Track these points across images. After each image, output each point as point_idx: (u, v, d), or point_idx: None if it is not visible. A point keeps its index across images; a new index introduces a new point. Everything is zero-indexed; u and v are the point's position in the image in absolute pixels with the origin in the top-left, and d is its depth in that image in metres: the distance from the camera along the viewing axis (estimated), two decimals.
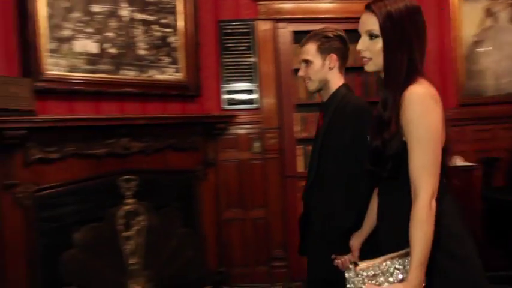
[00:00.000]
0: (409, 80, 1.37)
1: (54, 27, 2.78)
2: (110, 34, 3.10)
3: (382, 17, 1.40)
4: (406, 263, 1.33)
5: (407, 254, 1.33)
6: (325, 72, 1.95)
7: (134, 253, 3.07)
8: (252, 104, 3.90)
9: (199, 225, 3.60)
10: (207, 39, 3.80)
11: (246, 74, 3.89)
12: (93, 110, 3.00)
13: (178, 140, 3.40)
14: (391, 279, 1.32)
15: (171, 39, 3.53)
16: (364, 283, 1.32)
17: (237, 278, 3.84)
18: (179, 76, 3.56)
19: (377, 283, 1.32)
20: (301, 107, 4.03)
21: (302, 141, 3.97)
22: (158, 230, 3.22)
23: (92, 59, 2.99)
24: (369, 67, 1.49)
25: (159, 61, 3.42)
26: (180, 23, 3.58)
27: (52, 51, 2.77)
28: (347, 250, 1.83)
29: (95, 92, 2.98)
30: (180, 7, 3.57)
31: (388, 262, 1.34)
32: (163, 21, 3.48)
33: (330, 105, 1.97)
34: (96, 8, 3.02)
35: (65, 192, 2.77)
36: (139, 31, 3.29)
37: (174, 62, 3.53)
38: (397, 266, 1.33)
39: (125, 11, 3.20)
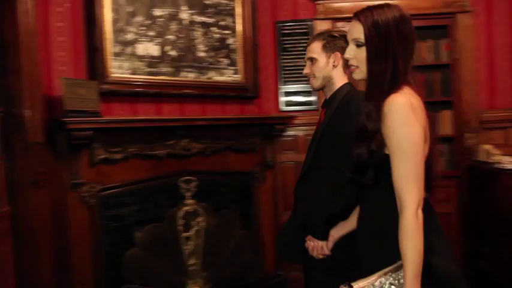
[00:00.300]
0: (392, 89, 1.36)
1: (118, 31, 2.87)
2: (171, 37, 3.15)
3: (367, 26, 1.40)
4: (400, 277, 1.31)
5: (400, 268, 1.31)
6: (329, 70, 1.99)
7: (193, 254, 3.09)
8: (310, 105, 3.84)
9: (257, 228, 3.58)
10: (265, 41, 3.79)
11: (304, 75, 3.82)
12: (154, 112, 3.06)
13: (236, 142, 3.40)
14: None
15: (230, 41, 3.54)
16: None
17: (294, 282, 3.77)
18: (238, 78, 3.56)
19: None
20: None
21: None
22: (216, 232, 3.22)
23: (153, 62, 3.06)
24: (356, 75, 1.48)
25: (218, 63, 3.44)
26: (239, 25, 3.58)
27: (116, 54, 2.85)
28: (326, 237, 1.83)
29: (156, 94, 3.04)
30: (238, 9, 3.58)
31: (382, 279, 1.31)
32: (221, 23, 3.49)
33: (332, 101, 2.01)
34: (157, 12, 3.08)
35: (127, 192, 2.84)
36: (198, 33, 3.32)
37: (233, 63, 3.54)
38: (391, 281, 1.31)
39: (185, 14, 3.24)
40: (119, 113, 2.88)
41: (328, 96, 2.05)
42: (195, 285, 3.09)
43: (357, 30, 1.44)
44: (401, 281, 1.30)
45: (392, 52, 1.38)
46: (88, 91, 2.59)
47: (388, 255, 1.34)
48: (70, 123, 2.44)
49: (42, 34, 2.56)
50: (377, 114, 1.36)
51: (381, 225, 1.41)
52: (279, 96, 3.85)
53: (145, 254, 2.87)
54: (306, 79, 3.74)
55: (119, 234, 2.78)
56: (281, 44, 3.84)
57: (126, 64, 2.90)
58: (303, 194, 2.05)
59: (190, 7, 3.27)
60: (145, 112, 3.01)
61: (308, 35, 3.78)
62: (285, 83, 3.85)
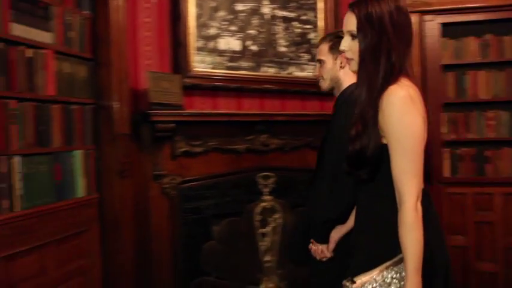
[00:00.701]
0: (388, 81, 1.34)
1: (201, 26, 2.90)
2: (252, 31, 3.14)
3: (360, 18, 1.38)
4: (402, 270, 1.30)
5: (401, 261, 1.30)
6: (336, 71, 2.00)
7: (269, 250, 3.06)
8: None
9: None
10: None
11: None
12: (234, 106, 3.07)
13: (315, 139, 3.30)
14: None
15: (311, 35, 3.46)
16: None
17: None
18: None
19: None
20: (449, 106, 3.67)
21: (450, 143, 3.62)
22: (293, 229, 3.17)
23: (234, 56, 3.06)
24: (352, 67, 1.45)
25: (299, 58, 3.38)
26: (320, 20, 3.50)
27: (199, 49, 2.89)
28: (326, 241, 1.86)
29: (236, 89, 3.04)
30: (320, 3, 3.49)
31: (384, 273, 1.31)
32: (303, 17, 3.43)
33: (337, 102, 2.02)
34: (239, 7, 3.08)
35: (206, 185, 2.87)
36: (279, 28, 3.28)
37: (314, 59, 3.45)
38: (393, 275, 1.31)
39: (266, 9, 3.21)
40: (200, 107, 2.92)
41: (337, 97, 2.07)
42: (269, 282, 3.06)
43: (350, 22, 1.41)
44: (403, 273, 1.29)
45: (386, 44, 1.35)
46: (172, 85, 2.64)
47: (388, 249, 1.33)
48: (154, 116, 2.51)
49: (130, 29, 2.65)
50: (372, 108, 1.34)
51: (379, 219, 1.39)
52: None
53: (222, 247, 2.89)
54: None
55: (197, 226, 2.81)
56: None
57: (208, 59, 2.93)
58: (308, 197, 2.07)
59: (272, 1, 3.23)
60: (226, 106, 3.02)
61: None
62: None
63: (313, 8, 3.48)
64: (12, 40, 2.01)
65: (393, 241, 1.29)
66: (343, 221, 1.80)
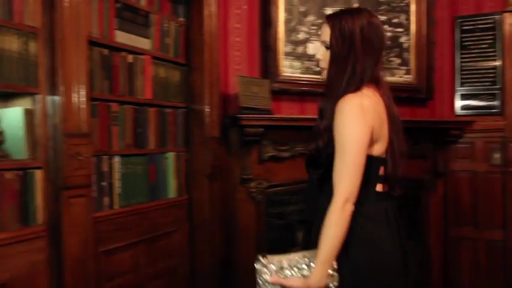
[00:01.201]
0: (348, 90, 1.41)
1: (290, 31, 2.89)
2: None
3: (334, 31, 1.47)
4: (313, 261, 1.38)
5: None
6: None
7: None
8: (491, 109, 3.41)
9: (423, 240, 3.30)
10: (441, 38, 3.48)
11: (486, 76, 3.42)
12: None
13: (407, 145, 3.17)
14: (298, 273, 1.39)
15: (402, 39, 3.33)
16: (271, 275, 1.39)
17: None
18: (409, 78, 3.34)
19: (283, 276, 1.39)
20: None
21: None
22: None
23: None
24: (324, 75, 1.55)
25: (389, 62, 3.26)
26: (412, 23, 3.35)
27: (287, 54, 2.89)
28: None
29: (324, 94, 2.98)
30: (413, 6, 3.35)
31: (298, 258, 1.40)
32: (394, 20, 3.31)
33: None
34: (329, 11, 3.03)
35: (291, 190, 2.84)
36: None
37: (405, 63, 3.33)
38: (307, 262, 1.39)
39: None
40: (288, 112, 2.91)
41: None
42: None
43: (325, 33, 1.51)
44: (313, 265, 1.39)
45: (354, 57, 1.44)
46: (261, 89, 2.66)
47: (316, 241, 1.39)
48: (244, 120, 2.53)
49: (222, 35, 2.70)
50: (330, 113, 1.42)
51: (324, 215, 1.44)
52: (455, 99, 3.50)
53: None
54: (487, 80, 3.39)
55: (282, 232, 2.79)
56: (460, 41, 3.48)
57: (296, 63, 2.92)
58: None
59: (362, 4, 3.15)
60: (313, 111, 2.98)
61: (494, 30, 3.37)
62: (462, 84, 3.48)
63: (405, 11, 3.34)
64: (115, 47, 2.13)
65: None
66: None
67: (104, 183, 2.05)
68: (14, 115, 1.72)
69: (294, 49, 2.91)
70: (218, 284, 2.63)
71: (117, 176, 2.13)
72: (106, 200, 2.06)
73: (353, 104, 1.38)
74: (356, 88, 1.42)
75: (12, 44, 1.62)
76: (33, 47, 1.69)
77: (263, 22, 2.84)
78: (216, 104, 2.59)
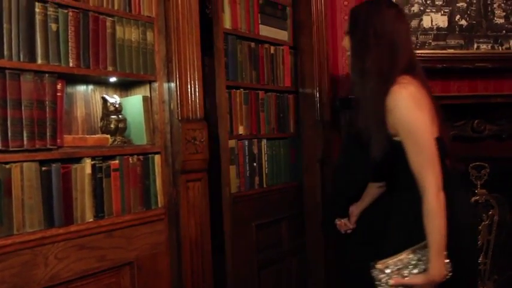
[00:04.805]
0: (389, 82, 1.41)
1: (403, 4, 2.69)
2: (461, 4, 2.79)
3: (350, 20, 1.54)
4: (427, 253, 1.37)
5: (426, 246, 1.37)
6: None
7: (482, 251, 2.70)
8: None
9: None
10: None
11: None
12: (441, 89, 2.78)
13: None
14: (415, 270, 1.38)
15: None
16: (390, 278, 1.39)
17: None
18: None
19: (402, 276, 1.38)
20: None
21: None
22: (511, 229, 2.75)
23: (441, 34, 2.77)
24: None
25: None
26: None
27: None
28: (345, 214, 1.96)
29: (443, 69, 2.74)
30: None
31: (411, 255, 1.39)
32: None
33: None
34: None
35: None
36: None
37: None
38: (419, 257, 1.38)
39: None
40: None
41: None
42: None
43: (347, 23, 1.57)
44: (427, 257, 1.37)
45: (372, 49, 1.45)
46: None
47: (414, 235, 1.40)
48: None
49: (329, 14, 2.60)
50: (371, 108, 1.44)
51: (405, 209, 1.47)
52: None
53: None
54: None
55: None
56: None
57: (412, 38, 2.71)
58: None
59: None
60: (431, 89, 2.75)
61: None
62: None
63: None
64: (259, 40, 2.32)
65: (418, 228, 1.37)
66: (356, 197, 1.92)
67: (255, 164, 2.27)
68: (134, 103, 1.80)
69: (409, 23, 2.70)
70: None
71: (264, 157, 2.33)
72: (257, 179, 2.28)
73: (405, 96, 1.39)
74: (392, 79, 1.43)
75: (132, 34, 1.69)
76: (150, 36, 1.75)
77: None
78: (325, 86, 2.51)
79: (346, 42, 1.58)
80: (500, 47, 2.85)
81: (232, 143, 2.13)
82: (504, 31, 2.85)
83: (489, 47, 2.84)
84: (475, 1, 2.82)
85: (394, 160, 1.45)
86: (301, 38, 2.52)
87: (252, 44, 2.27)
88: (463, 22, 2.81)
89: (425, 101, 1.44)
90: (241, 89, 2.22)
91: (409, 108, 1.39)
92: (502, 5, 2.86)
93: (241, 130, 2.21)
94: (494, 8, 2.85)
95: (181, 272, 1.78)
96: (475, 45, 2.82)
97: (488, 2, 2.82)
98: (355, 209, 1.95)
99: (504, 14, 2.87)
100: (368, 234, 1.88)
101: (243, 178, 2.19)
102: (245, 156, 2.21)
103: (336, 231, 2.04)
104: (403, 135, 1.41)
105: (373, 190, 1.81)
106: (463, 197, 1.52)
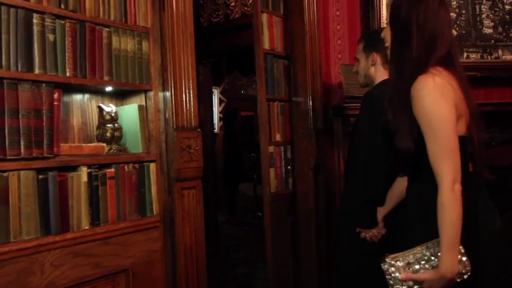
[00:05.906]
0: (417, 71, 1.39)
1: None
2: (451, 14, 2.85)
3: (393, 9, 1.50)
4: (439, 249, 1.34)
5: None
6: (368, 68, 2.11)
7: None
8: None
9: None
10: None
11: None
12: None
13: None
14: (427, 265, 1.35)
15: None
16: (400, 272, 1.36)
17: None
18: None
19: (413, 271, 1.36)
20: None
21: None
22: (504, 238, 2.77)
23: None
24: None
25: (508, 39, 2.95)
26: None
27: None
28: (375, 223, 1.95)
29: None
30: None
31: (424, 250, 1.36)
32: None
33: (364, 97, 2.09)
34: None
35: None
36: (484, 7, 2.91)
37: None
38: (432, 253, 1.35)
39: None
40: None
41: (365, 93, 2.17)
42: None
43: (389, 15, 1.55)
44: (439, 254, 1.34)
45: (413, 37, 1.42)
46: None
47: (430, 230, 1.36)
48: (349, 109, 2.45)
49: (322, 24, 2.64)
50: (402, 100, 1.40)
51: (424, 203, 1.43)
52: None
53: None
54: None
55: None
56: None
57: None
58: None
59: None
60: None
61: None
62: None
63: None
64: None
65: (434, 223, 1.33)
66: (381, 203, 1.92)
67: (289, 167, 2.51)
68: (130, 111, 1.83)
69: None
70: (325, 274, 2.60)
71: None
72: (290, 181, 2.57)
73: (428, 85, 1.35)
74: (424, 69, 1.39)
75: (128, 44, 1.72)
76: (145, 46, 1.78)
77: (365, 7, 2.73)
78: (318, 95, 2.54)
79: (386, 32, 1.55)
80: (489, 56, 2.91)
81: (271, 148, 2.46)
82: (493, 41, 2.92)
83: (478, 56, 2.90)
84: (464, 11, 2.88)
85: (418, 151, 1.40)
86: (294, 47, 2.56)
87: (286, 62, 2.57)
88: (453, 32, 2.86)
89: (453, 95, 1.38)
90: (277, 101, 2.54)
91: (431, 96, 1.35)
92: (491, 15, 2.92)
93: (278, 137, 2.54)
94: (483, 18, 2.91)
95: (176, 279, 1.80)
96: (465, 55, 2.88)
97: (477, 13, 2.89)
98: (379, 215, 1.95)
99: (492, 24, 2.93)
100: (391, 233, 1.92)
101: (279, 180, 2.51)
102: (281, 160, 2.53)
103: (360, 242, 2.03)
104: (421, 122, 1.37)
105: (397, 192, 1.79)
106: (487, 201, 1.47)
